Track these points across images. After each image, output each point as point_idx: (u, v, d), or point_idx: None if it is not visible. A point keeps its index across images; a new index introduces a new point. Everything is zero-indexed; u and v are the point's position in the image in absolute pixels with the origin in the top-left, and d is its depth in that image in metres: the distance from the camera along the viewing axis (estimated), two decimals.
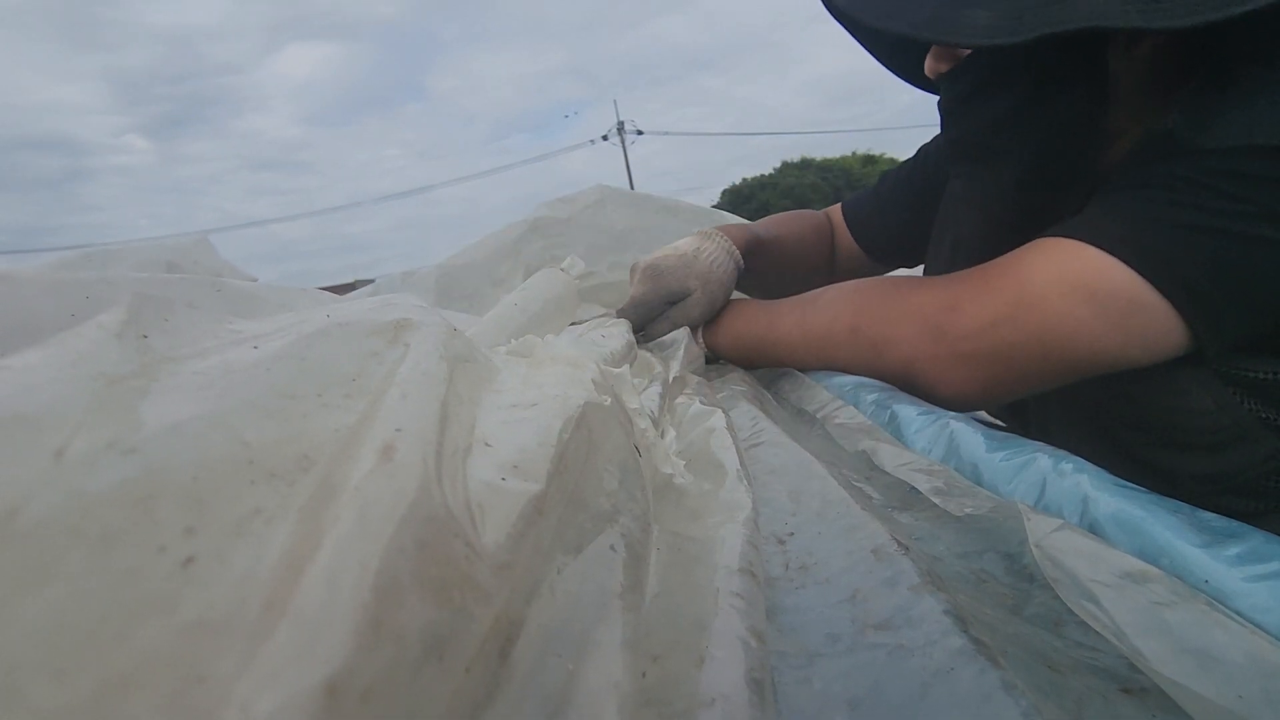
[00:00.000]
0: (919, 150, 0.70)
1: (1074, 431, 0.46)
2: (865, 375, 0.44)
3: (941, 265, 0.52)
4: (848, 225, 0.73)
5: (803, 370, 0.50)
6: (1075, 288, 0.36)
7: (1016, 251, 0.40)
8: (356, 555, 0.10)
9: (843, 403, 0.40)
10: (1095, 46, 0.40)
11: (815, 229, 0.74)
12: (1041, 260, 0.38)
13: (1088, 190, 0.42)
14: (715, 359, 0.59)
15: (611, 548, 0.16)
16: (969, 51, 0.43)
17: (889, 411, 0.37)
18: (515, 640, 0.12)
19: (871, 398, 0.40)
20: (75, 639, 0.08)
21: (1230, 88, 0.36)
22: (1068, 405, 0.46)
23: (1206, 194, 0.35)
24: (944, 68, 0.46)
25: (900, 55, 0.54)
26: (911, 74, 0.54)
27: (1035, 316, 0.37)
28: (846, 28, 0.50)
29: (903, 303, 0.43)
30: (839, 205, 0.76)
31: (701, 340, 0.56)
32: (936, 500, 0.27)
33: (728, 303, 0.59)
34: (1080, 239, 0.37)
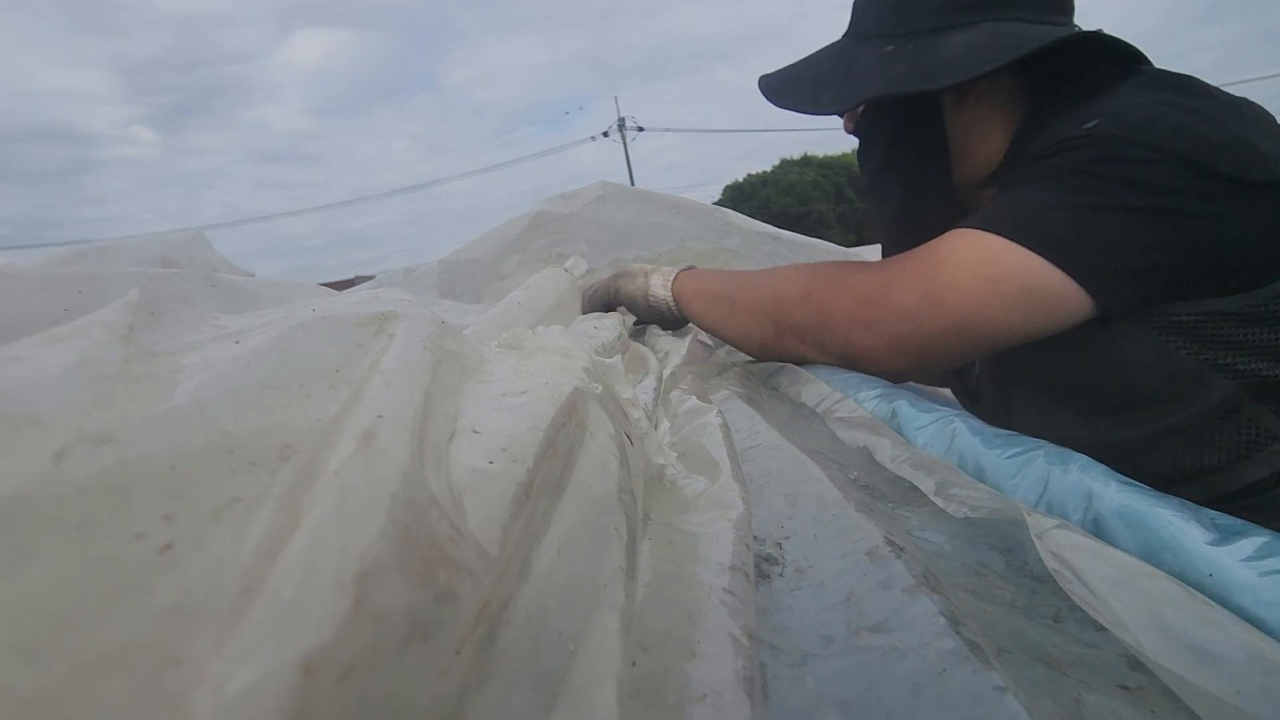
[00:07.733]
0: None
1: (1036, 408, 0.50)
2: (810, 338, 0.51)
3: None
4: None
5: (757, 342, 0.54)
6: (980, 270, 0.44)
7: (937, 240, 0.47)
8: (335, 537, 0.10)
9: (843, 396, 0.40)
10: (927, 107, 0.53)
11: None
12: (953, 251, 0.46)
13: (966, 205, 0.54)
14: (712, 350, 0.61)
15: (606, 532, 0.16)
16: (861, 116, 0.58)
17: (890, 409, 0.37)
18: (507, 622, 0.12)
19: (873, 394, 0.40)
20: (51, 623, 0.08)
21: (1075, 102, 0.46)
22: (1023, 384, 0.51)
23: (1080, 178, 0.42)
24: (851, 128, 0.60)
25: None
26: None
27: (951, 301, 0.45)
28: None
29: (847, 279, 0.50)
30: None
31: (668, 287, 0.62)
32: (936, 499, 0.27)
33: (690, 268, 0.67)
34: (985, 229, 0.44)
